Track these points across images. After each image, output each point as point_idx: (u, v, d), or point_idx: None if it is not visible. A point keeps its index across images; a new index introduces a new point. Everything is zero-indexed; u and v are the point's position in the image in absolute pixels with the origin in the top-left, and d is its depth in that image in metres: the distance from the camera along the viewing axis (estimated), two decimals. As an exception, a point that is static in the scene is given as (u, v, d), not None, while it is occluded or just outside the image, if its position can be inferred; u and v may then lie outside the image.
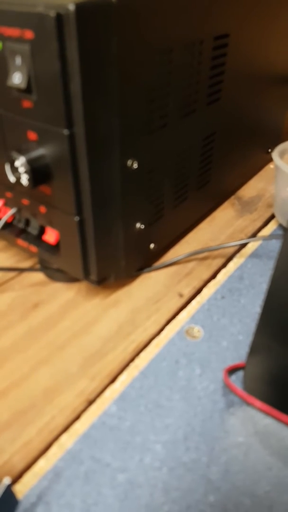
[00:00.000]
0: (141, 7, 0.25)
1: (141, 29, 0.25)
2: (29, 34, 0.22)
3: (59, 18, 0.21)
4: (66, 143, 0.25)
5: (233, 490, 0.23)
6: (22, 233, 0.34)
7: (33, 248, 0.34)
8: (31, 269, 0.38)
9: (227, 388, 0.28)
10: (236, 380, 0.29)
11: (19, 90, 0.25)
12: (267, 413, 0.27)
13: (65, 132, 0.24)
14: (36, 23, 0.22)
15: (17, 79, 0.24)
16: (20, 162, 0.26)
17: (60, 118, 0.24)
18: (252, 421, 0.27)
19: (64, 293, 0.36)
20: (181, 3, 0.28)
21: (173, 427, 0.26)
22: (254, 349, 0.26)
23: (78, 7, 0.21)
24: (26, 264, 0.39)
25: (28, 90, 0.24)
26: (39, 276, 0.38)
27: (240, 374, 0.29)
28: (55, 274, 0.37)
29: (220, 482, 0.24)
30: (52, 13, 0.21)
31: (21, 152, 0.26)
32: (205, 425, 0.26)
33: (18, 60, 0.23)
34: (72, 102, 0.24)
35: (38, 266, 0.39)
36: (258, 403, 0.27)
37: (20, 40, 0.23)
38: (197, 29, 0.31)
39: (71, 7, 0.21)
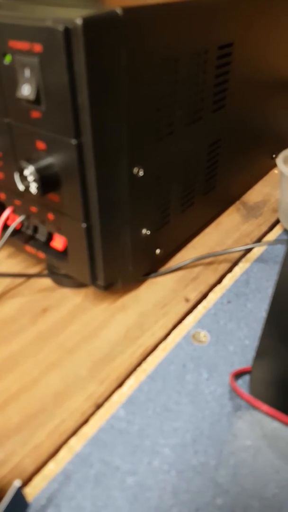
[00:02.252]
0: (147, 19, 0.26)
1: (147, 40, 0.26)
2: (38, 48, 0.23)
3: (67, 32, 0.22)
4: (74, 153, 0.25)
5: (242, 493, 0.24)
6: (30, 239, 0.35)
7: (41, 254, 0.35)
8: (39, 275, 0.39)
9: (235, 392, 0.29)
10: (243, 384, 0.29)
11: (28, 101, 0.25)
12: (274, 417, 0.27)
13: (73, 141, 0.25)
14: (45, 37, 0.22)
15: (26, 90, 0.25)
16: (29, 171, 0.26)
17: (68, 128, 0.25)
18: (260, 424, 0.27)
19: (72, 298, 0.37)
20: (185, 14, 0.29)
21: (181, 430, 0.27)
22: (260, 353, 0.26)
23: (86, 21, 0.22)
24: (34, 270, 0.40)
25: (37, 101, 0.25)
26: (47, 281, 0.38)
27: (247, 378, 0.29)
28: (63, 279, 0.37)
29: (228, 485, 0.24)
30: (61, 27, 0.22)
31: (30, 161, 0.27)
32: (213, 428, 0.27)
33: (27, 73, 0.24)
34: (80, 112, 0.24)
35: (45, 272, 0.39)
36: (265, 407, 0.27)
37: (29, 53, 0.24)
38: (202, 39, 0.31)
39: (79, 21, 0.21)
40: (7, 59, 0.25)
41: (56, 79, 0.23)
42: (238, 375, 0.30)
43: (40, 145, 0.27)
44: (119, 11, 0.24)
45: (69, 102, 0.24)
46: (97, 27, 0.22)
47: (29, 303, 0.36)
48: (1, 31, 0.24)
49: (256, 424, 0.27)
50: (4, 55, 0.25)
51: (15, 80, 0.25)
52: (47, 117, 0.25)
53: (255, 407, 0.28)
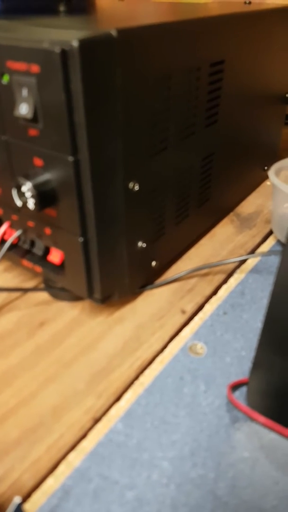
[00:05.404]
0: (140, 39, 0.26)
1: (140, 59, 0.27)
2: (35, 68, 0.24)
3: (64, 54, 0.22)
4: (71, 169, 0.26)
5: (241, 505, 0.24)
6: (27, 253, 0.35)
7: (38, 268, 0.35)
8: (35, 288, 0.39)
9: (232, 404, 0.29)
10: (240, 396, 0.29)
11: (25, 119, 0.26)
12: (271, 428, 0.27)
13: (70, 158, 0.25)
14: (42, 58, 0.23)
15: (24, 109, 0.25)
16: (27, 187, 0.27)
17: (65, 145, 0.25)
18: (257, 435, 0.27)
19: (69, 311, 0.37)
20: (177, 33, 0.29)
21: (179, 443, 0.27)
22: (257, 364, 0.27)
23: (82, 43, 0.22)
24: (31, 283, 0.40)
25: (34, 119, 0.25)
26: (44, 295, 0.39)
27: (244, 389, 0.30)
28: (59, 293, 0.37)
29: (227, 497, 0.24)
30: (57, 49, 0.22)
31: (28, 177, 0.27)
32: (211, 440, 0.27)
33: (25, 92, 0.25)
34: (76, 130, 0.25)
35: (42, 285, 0.40)
36: (262, 418, 0.27)
37: (27, 73, 0.24)
38: (194, 57, 0.32)
39: (75, 43, 0.22)
40: (5, 79, 0.26)
41: (53, 99, 0.24)
42: (235, 386, 0.30)
43: (38, 161, 0.27)
44: (113, 32, 0.24)
45: (66, 120, 0.24)
46: (93, 49, 0.23)
47: (26, 317, 0.36)
48: (-1, 52, 0.25)
49: (254, 436, 0.27)
50: (2, 75, 0.26)
51: (12, 99, 0.26)
52: (44, 134, 0.26)
53: (252, 419, 0.28)
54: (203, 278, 0.40)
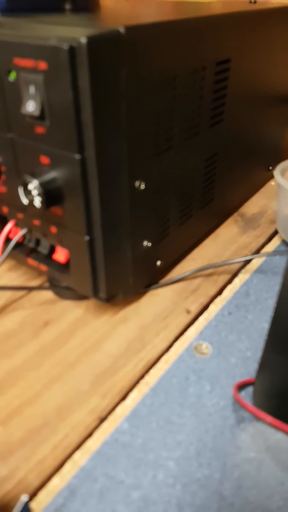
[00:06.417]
0: (148, 37, 0.26)
1: (147, 57, 0.27)
2: (43, 65, 0.24)
3: (72, 51, 0.22)
4: (77, 167, 0.26)
5: (246, 506, 0.23)
6: (32, 252, 0.35)
7: (43, 267, 0.35)
8: (40, 287, 0.39)
9: (237, 404, 0.29)
10: (246, 396, 0.29)
11: (32, 117, 0.26)
12: (278, 428, 0.27)
13: (77, 156, 0.25)
14: (50, 55, 0.23)
15: (31, 107, 0.25)
16: (33, 185, 0.27)
17: (72, 143, 0.25)
18: (263, 436, 0.27)
19: (73, 311, 0.37)
20: (184, 31, 0.29)
21: (185, 443, 0.26)
22: (263, 364, 0.26)
23: (90, 40, 0.22)
24: (35, 282, 0.40)
25: (41, 117, 0.25)
26: (48, 294, 0.38)
27: (250, 389, 0.30)
28: (64, 292, 0.37)
29: (233, 498, 0.24)
30: (65, 46, 0.22)
31: (34, 175, 0.27)
32: (217, 441, 0.27)
33: (32, 89, 0.25)
34: (83, 128, 0.25)
35: (47, 284, 0.39)
36: (269, 418, 0.27)
37: (34, 70, 0.24)
38: (200, 55, 0.32)
39: (83, 40, 0.22)
40: (12, 76, 0.25)
41: (61, 96, 0.24)
42: (240, 387, 0.30)
43: (44, 159, 0.27)
44: (121, 30, 0.24)
45: (73, 118, 0.24)
46: (101, 46, 0.23)
47: (30, 316, 0.36)
48: (6, 49, 0.25)
49: (259, 436, 0.27)
50: (9, 72, 0.25)
51: (19, 96, 0.26)
52: (51, 132, 0.26)
53: (259, 419, 0.28)
54: (208, 278, 0.40)
